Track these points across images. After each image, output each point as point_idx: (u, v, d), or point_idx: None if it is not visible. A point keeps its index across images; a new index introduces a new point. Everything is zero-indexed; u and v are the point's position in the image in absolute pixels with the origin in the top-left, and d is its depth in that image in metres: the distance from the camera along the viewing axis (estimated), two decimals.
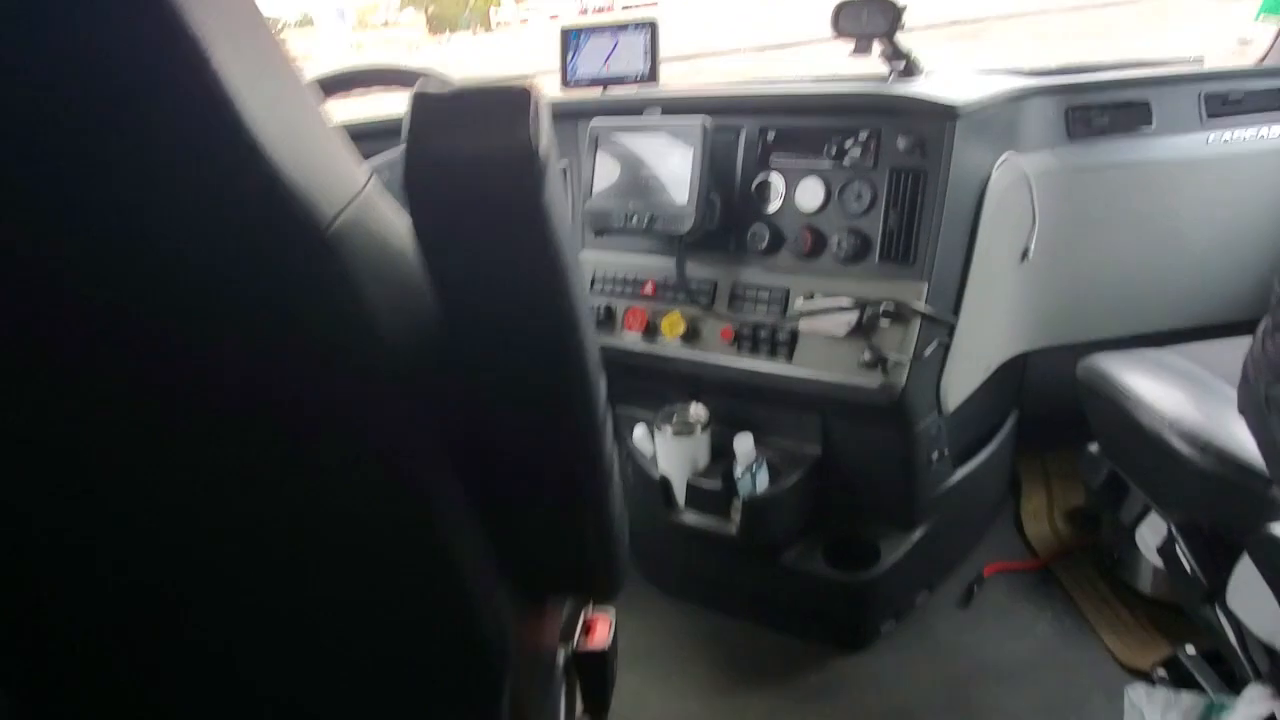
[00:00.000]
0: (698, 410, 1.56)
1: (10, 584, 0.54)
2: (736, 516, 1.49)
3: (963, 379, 1.49)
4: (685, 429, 1.53)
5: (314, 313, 0.46)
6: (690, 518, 1.54)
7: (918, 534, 1.55)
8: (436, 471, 0.55)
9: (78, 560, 0.53)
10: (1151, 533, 1.20)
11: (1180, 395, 1.12)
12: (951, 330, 1.41)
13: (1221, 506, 1.01)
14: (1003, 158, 1.44)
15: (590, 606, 0.87)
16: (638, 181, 1.50)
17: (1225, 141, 1.59)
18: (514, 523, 0.63)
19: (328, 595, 0.57)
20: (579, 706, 0.86)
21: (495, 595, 0.62)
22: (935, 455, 1.51)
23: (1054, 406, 1.63)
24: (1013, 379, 1.75)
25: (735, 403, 1.58)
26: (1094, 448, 1.36)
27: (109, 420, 0.48)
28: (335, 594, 0.57)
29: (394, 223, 0.52)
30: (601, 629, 0.84)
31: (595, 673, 0.82)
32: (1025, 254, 1.52)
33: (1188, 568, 1.04)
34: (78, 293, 0.44)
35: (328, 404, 0.49)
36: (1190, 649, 1.37)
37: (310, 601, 0.57)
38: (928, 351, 1.37)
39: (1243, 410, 0.87)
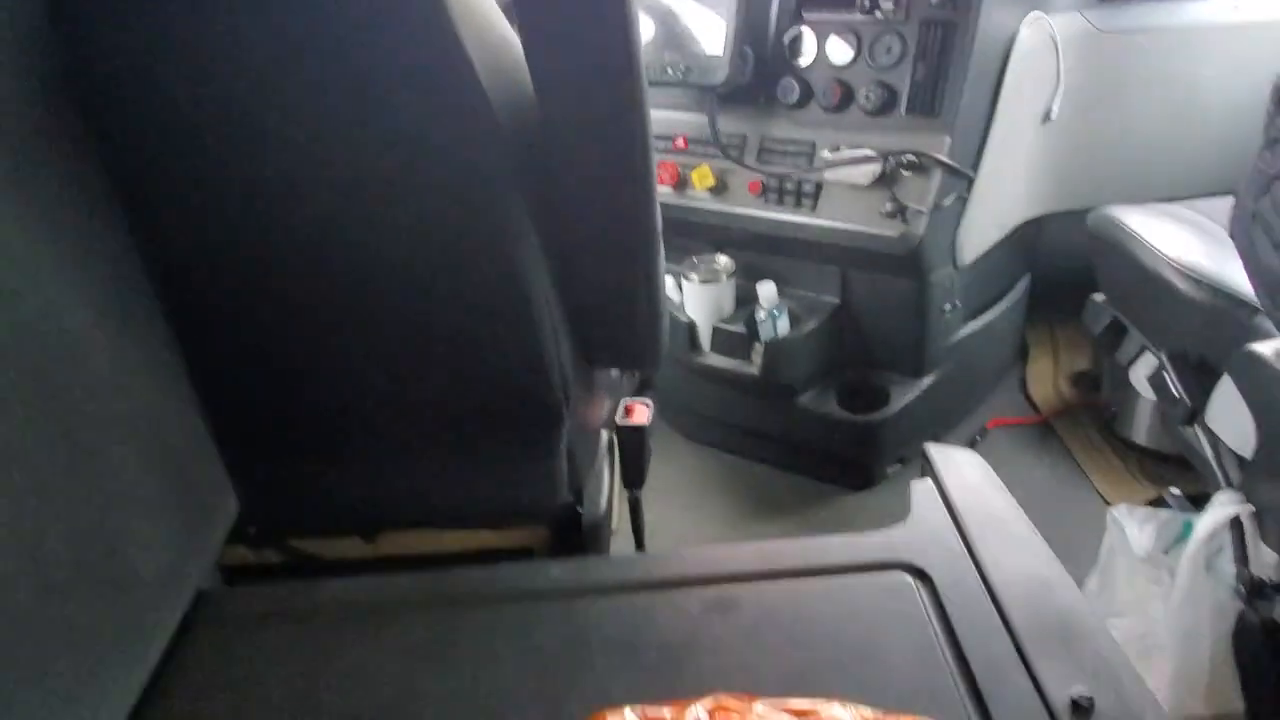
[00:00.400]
0: (724, 260, 1.64)
1: (202, 259, 0.64)
2: (757, 359, 1.59)
3: (979, 235, 1.56)
4: (712, 276, 1.62)
5: (427, 60, 0.55)
6: (714, 360, 1.64)
7: (926, 382, 1.65)
8: (524, 231, 0.64)
9: (255, 252, 0.64)
10: (1145, 369, 1.29)
11: (1181, 237, 1.19)
12: (970, 184, 1.47)
13: (1210, 335, 1.10)
14: (1031, 16, 1.47)
15: (630, 390, 0.98)
16: (674, 34, 1.54)
17: (1254, 7, 1.61)
18: (579, 291, 0.72)
19: (427, 335, 0.67)
20: (618, 481, 0.98)
21: (561, 353, 0.71)
22: (948, 307, 1.59)
23: (1066, 273, 1.70)
24: (1027, 243, 1.81)
25: (759, 256, 1.66)
26: (1098, 297, 1.44)
27: (282, 146, 0.58)
28: (434, 334, 0.68)
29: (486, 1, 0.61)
30: (641, 411, 0.94)
31: (634, 446, 0.93)
32: (1047, 115, 1.57)
33: (1174, 392, 1.13)
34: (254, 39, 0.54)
35: (438, 151, 0.58)
36: (1175, 490, 1.48)
37: (407, 337, 0.68)
38: (947, 202, 1.43)
39: (1233, 234, 0.94)
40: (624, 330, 0.77)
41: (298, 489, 0.79)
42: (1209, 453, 1.11)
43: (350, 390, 0.70)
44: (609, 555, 0.89)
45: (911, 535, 0.64)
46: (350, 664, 0.55)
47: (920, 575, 0.60)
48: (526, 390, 0.71)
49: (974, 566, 0.60)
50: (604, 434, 0.97)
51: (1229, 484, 1.09)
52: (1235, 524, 1.06)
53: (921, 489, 0.70)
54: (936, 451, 0.73)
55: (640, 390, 1.03)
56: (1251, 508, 1.04)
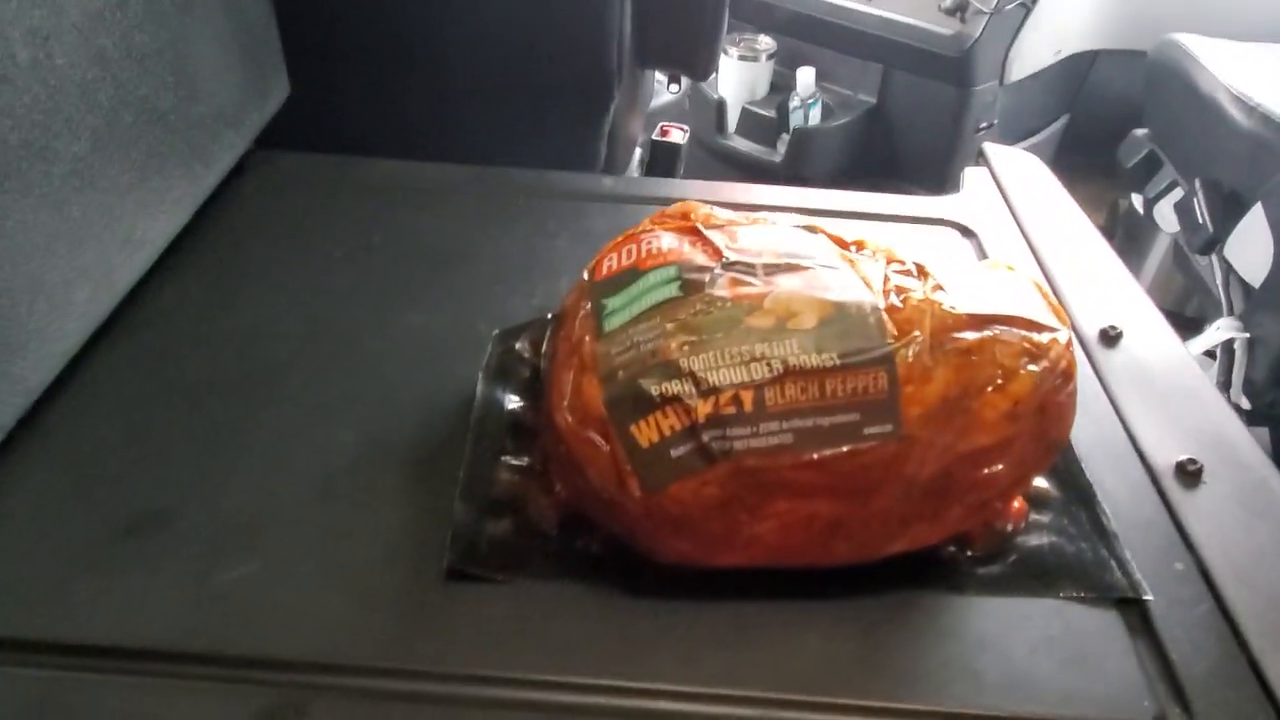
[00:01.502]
0: (766, 40, 1.58)
1: None
2: (782, 147, 1.56)
3: (1031, 52, 1.51)
4: (751, 54, 1.56)
5: None
6: (738, 142, 1.61)
7: None
8: None
9: None
10: (1169, 205, 1.28)
11: (1245, 69, 1.15)
12: None
13: (1250, 165, 1.08)
14: None
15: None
16: None
17: None
18: None
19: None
20: None
21: (623, 29, 0.70)
22: (984, 125, 1.56)
23: (1103, 126, 1.65)
24: (1074, 81, 1.76)
25: (802, 46, 1.59)
26: (1139, 132, 1.41)
27: None
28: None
29: None
30: (676, 134, 0.93)
31: (666, 159, 0.92)
32: None
33: (1199, 218, 1.13)
34: None
35: None
36: None
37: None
38: (1009, 7, 1.38)
39: None
40: (685, 25, 0.76)
41: (345, 111, 0.77)
42: (1219, 280, 1.12)
43: (416, 18, 0.68)
44: (665, 179, 0.91)
45: (962, 203, 0.65)
46: (403, 225, 0.56)
47: (967, 233, 0.61)
48: (584, 56, 0.70)
49: (1017, 228, 0.62)
50: (638, 151, 0.96)
51: (1230, 312, 1.11)
52: (1227, 349, 1.08)
53: (975, 173, 0.70)
54: (993, 149, 0.73)
55: None
56: (1246, 336, 1.06)
